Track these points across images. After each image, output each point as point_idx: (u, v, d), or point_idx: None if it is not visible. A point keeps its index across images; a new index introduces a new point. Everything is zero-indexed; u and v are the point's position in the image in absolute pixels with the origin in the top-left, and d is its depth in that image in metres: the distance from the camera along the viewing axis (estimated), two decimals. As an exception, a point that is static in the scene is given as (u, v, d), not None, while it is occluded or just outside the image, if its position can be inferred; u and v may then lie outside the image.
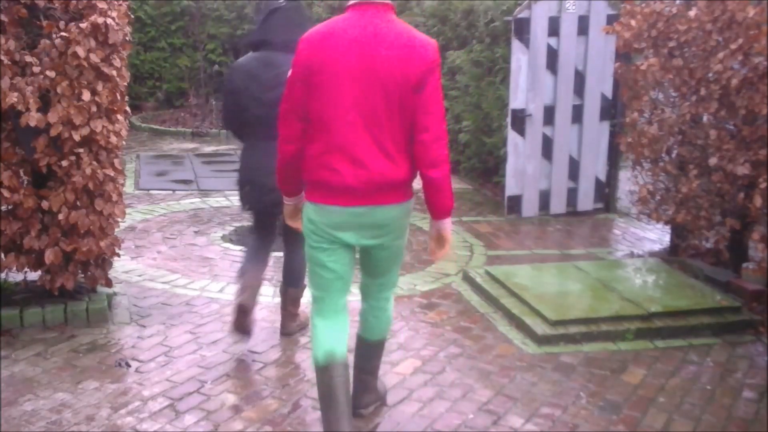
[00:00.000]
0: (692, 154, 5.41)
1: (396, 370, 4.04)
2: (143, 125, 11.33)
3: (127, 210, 5.24)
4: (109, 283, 4.66)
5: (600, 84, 6.94)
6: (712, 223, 5.37)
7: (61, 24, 4.12)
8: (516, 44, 6.68)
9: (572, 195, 7.14)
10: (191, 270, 5.47)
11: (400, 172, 3.06)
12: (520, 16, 6.64)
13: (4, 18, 4.07)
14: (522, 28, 6.65)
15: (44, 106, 4.12)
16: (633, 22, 5.61)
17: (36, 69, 4.09)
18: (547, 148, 6.96)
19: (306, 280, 4.38)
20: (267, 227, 4.45)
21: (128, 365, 4.02)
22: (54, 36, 4.11)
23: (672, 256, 5.82)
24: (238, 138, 4.35)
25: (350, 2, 3.05)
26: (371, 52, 2.96)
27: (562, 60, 6.80)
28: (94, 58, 4.15)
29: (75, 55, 4.09)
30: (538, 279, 5.24)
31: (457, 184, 8.14)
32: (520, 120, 6.81)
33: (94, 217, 4.35)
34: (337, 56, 2.97)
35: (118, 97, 4.39)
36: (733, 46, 4.82)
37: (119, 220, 4.61)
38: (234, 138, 4.49)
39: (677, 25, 5.32)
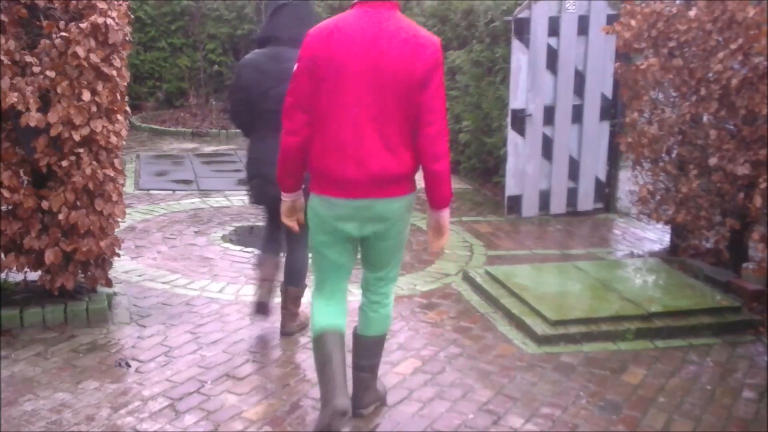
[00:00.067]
0: (692, 154, 5.42)
1: (396, 370, 4.04)
2: (143, 125, 11.33)
3: (127, 210, 5.24)
4: (109, 283, 4.66)
5: (600, 84, 6.94)
6: (712, 223, 5.37)
7: (61, 24, 4.12)
8: (516, 44, 6.68)
9: (572, 195, 7.14)
10: (191, 270, 5.47)
11: (402, 166, 3.13)
12: (520, 16, 6.64)
13: (4, 18, 4.07)
14: (522, 28, 6.65)
15: (44, 106, 4.12)
16: (633, 22, 5.61)
17: (36, 69, 4.09)
18: (547, 148, 6.96)
19: (307, 280, 4.44)
20: (277, 219, 4.47)
21: (128, 365, 4.02)
22: (54, 36, 4.11)
23: (672, 256, 5.82)
24: (246, 133, 4.39)
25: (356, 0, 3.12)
26: (377, 48, 3.03)
27: (562, 60, 6.80)
28: (94, 58, 4.15)
29: (75, 55, 4.09)
30: (538, 279, 5.24)
31: (457, 184, 8.14)
32: (520, 120, 6.82)
33: (94, 217, 4.35)
34: (343, 51, 3.04)
35: (118, 97, 4.39)
36: (733, 46, 4.82)
37: (119, 220, 4.61)
38: (242, 133, 4.56)
39: (677, 25, 5.32)
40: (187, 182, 8.16)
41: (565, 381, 4.00)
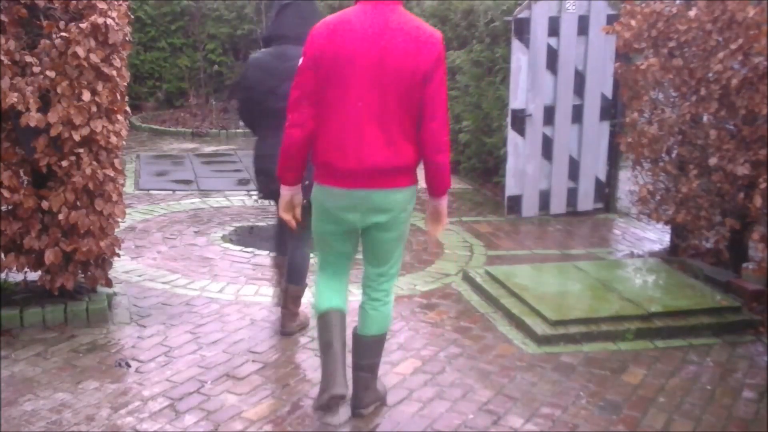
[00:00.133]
0: (692, 154, 5.42)
1: (396, 370, 4.04)
2: (143, 125, 11.33)
3: (127, 210, 5.24)
4: (109, 283, 4.66)
5: (600, 84, 6.94)
6: (712, 223, 5.37)
7: (61, 24, 4.12)
8: (516, 44, 6.68)
9: (572, 195, 7.14)
10: (191, 270, 5.47)
11: (402, 159, 3.20)
12: (520, 16, 6.64)
13: (4, 18, 4.07)
14: (522, 28, 6.65)
15: (44, 106, 4.12)
16: (633, 22, 5.61)
17: (36, 69, 4.09)
18: (547, 148, 6.96)
19: (307, 279, 4.47)
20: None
21: (128, 365, 4.02)
22: (54, 36, 4.11)
23: (672, 256, 5.82)
24: (253, 131, 4.49)
25: None
26: (381, 43, 3.10)
27: (562, 60, 6.80)
28: (94, 58, 4.15)
29: (75, 55, 4.08)
30: (538, 279, 5.24)
31: (457, 184, 8.15)
32: (520, 120, 6.82)
33: (94, 217, 4.35)
34: (348, 46, 3.10)
35: (118, 97, 4.39)
36: (733, 46, 4.82)
37: (119, 220, 4.61)
38: (249, 131, 4.66)
39: (677, 25, 5.32)
40: (187, 182, 8.16)
41: (565, 381, 4.00)
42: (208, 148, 10.15)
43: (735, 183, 5.05)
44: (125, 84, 4.45)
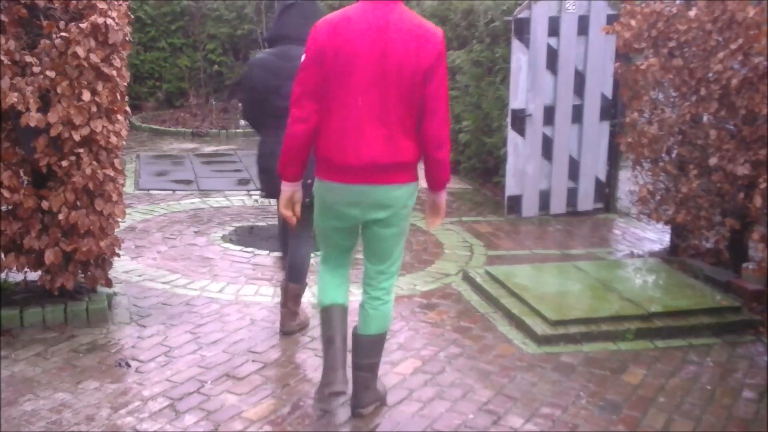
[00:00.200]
0: (692, 154, 5.42)
1: (396, 370, 4.04)
2: (143, 125, 11.33)
3: (127, 210, 5.24)
4: (109, 283, 4.66)
5: (600, 84, 6.94)
6: (712, 223, 5.37)
7: (61, 24, 4.12)
8: (516, 44, 6.68)
9: (572, 195, 7.14)
10: (191, 270, 5.47)
11: (403, 155, 3.24)
12: (520, 16, 6.64)
13: (4, 18, 4.07)
14: (522, 28, 6.65)
15: (44, 106, 4.12)
16: (633, 22, 5.61)
17: (36, 69, 4.09)
18: (547, 148, 6.96)
19: (308, 279, 4.47)
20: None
21: (128, 365, 4.02)
22: (54, 36, 4.11)
23: (672, 256, 5.82)
24: (257, 130, 4.53)
25: None
26: (383, 40, 3.14)
27: (562, 60, 6.80)
28: (94, 58, 4.15)
29: (75, 55, 4.08)
30: (538, 279, 5.24)
31: (457, 184, 8.15)
32: (520, 120, 6.81)
33: (94, 217, 4.35)
34: (349, 43, 3.15)
35: (118, 97, 4.39)
36: (733, 46, 4.82)
37: (119, 220, 4.61)
38: (253, 130, 4.71)
39: (677, 25, 5.31)
40: (187, 182, 8.16)
41: (565, 381, 4.00)
42: (208, 148, 10.15)
43: (735, 183, 5.05)
44: (125, 84, 4.45)
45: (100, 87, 4.24)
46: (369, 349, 3.54)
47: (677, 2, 5.53)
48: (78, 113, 4.15)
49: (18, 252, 4.34)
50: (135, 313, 4.68)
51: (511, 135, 6.85)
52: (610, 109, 7.04)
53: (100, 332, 4.40)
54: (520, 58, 6.70)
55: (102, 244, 4.42)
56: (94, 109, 4.22)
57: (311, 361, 4.13)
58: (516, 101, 6.78)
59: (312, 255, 4.55)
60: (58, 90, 4.11)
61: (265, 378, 3.94)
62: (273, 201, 4.88)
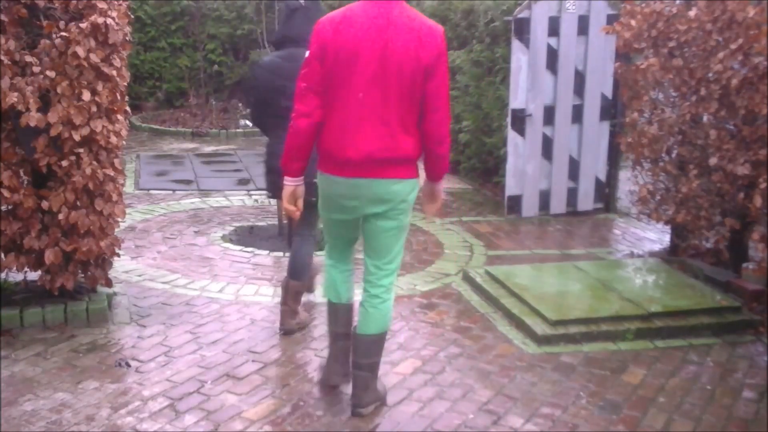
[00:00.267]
0: (692, 154, 5.41)
1: (396, 370, 4.04)
2: (143, 125, 11.33)
3: (127, 210, 5.24)
4: (109, 283, 4.66)
5: (600, 84, 6.94)
6: (712, 223, 5.37)
7: (61, 24, 4.12)
8: (516, 44, 6.68)
9: (572, 195, 7.14)
10: (191, 270, 5.46)
11: (402, 150, 3.30)
12: (520, 16, 6.64)
13: (4, 18, 4.07)
14: (522, 28, 6.65)
15: (44, 106, 4.12)
16: (633, 22, 5.60)
17: (36, 69, 4.09)
18: (547, 148, 6.96)
19: (310, 275, 4.58)
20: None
21: (128, 365, 4.02)
22: (54, 36, 4.11)
23: (672, 256, 5.82)
24: (264, 132, 4.64)
25: None
26: (384, 37, 3.20)
27: (562, 60, 6.79)
28: (94, 58, 4.15)
29: (75, 55, 4.08)
30: (538, 279, 5.24)
31: (457, 184, 8.15)
32: (520, 120, 6.81)
33: (94, 217, 4.35)
34: (351, 39, 3.21)
35: (118, 97, 4.39)
36: (733, 46, 4.82)
37: (119, 220, 4.61)
38: (262, 132, 4.81)
39: (677, 25, 5.31)
40: (187, 182, 8.16)
41: (565, 381, 4.00)
42: (208, 148, 10.15)
43: (735, 183, 5.05)
44: (125, 84, 4.45)
45: (100, 87, 4.24)
46: (369, 349, 3.54)
47: (677, 2, 5.53)
48: (78, 113, 4.15)
49: (18, 252, 4.34)
50: (135, 313, 4.68)
51: (511, 135, 6.85)
52: (610, 109, 7.04)
53: (100, 332, 4.40)
54: (520, 58, 6.70)
55: (102, 244, 4.42)
56: (94, 109, 4.22)
57: (311, 361, 4.13)
58: (516, 101, 6.78)
59: (314, 254, 4.58)
60: (58, 90, 4.11)
61: (265, 378, 3.94)
62: (274, 201, 4.91)
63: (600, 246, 6.36)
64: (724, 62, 4.89)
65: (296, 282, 4.41)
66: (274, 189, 4.42)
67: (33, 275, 4.55)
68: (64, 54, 4.10)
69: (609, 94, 6.99)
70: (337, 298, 3.70)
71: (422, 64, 3.21)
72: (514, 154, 6.89)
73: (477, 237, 6.42)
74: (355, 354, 3.57)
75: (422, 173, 3.53)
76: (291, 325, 4.43)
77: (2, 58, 4.01)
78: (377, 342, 3.56)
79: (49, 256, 4.29)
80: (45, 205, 4.27)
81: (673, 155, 5.66)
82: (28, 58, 4.10)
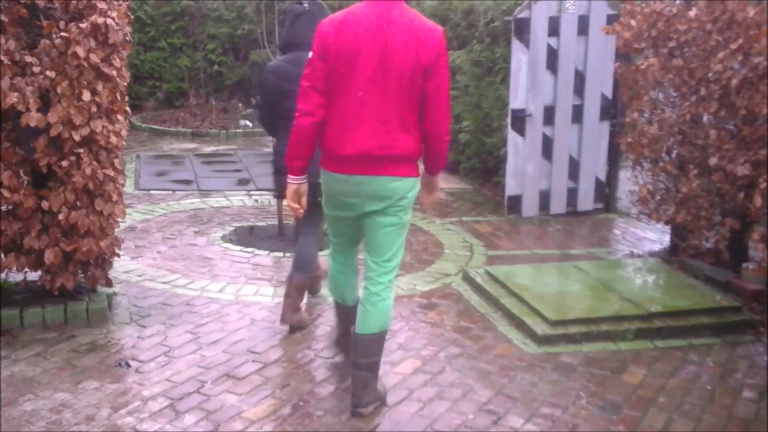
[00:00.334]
0: (692, 154, 5.41)
1: (396, 370, 4.04)
2: (143, 125, 11.33)
3: (127, 210, 5.24)
4: (109, 283, 4.66)
5: (600, 84, 6.94)
6: (712, 223, 5.37)
7: (61, 24, 4.12)
8: (516, 44, 6.68)
9: (572, 195, 7.14)
10: (191, 270, 5.46)
11: (400, 149, 3.36)
12: (520, 16, 6.64)
13: (4, 18, 4.07)
14: (522, 28, 6.65)
15: (44, 106, 4.12)
16: (633, 22, 5.60)
17: (36, 69, 4.09)
18: (547, 148, 6.96)
19: (313, 269, 4.63)
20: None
21: (128, 365, 4.02)
22: (54, 36, 4.11)
23: (672, 256, 5.82)
24: (272, 133, 4.76)
25: None
26: (384, 36, 3.26)
27: (562, 60, 6.80)
28: (94, 58, 4.15)
29: (75, 55, 4.08)
30: (538, 279, 5.24)
31: (457, 184, 8.16)
32: (520, 120, 6.81)
33: (94, 217, 4.35)
34: (352, 40, 3.28)
35: (118, 97, 4.39)
36: (733, 46, 4.82)
37: (119, 220, 4.61)
38: (269, 133, 4.94)
39: (677, 25, 5.31)
40: (187, 182, 8.15)
41: (565, 381, 4.00)
42: (208, 148, 10.15)
43: (735, 183, 5.05)
44: (125, 84, 4.45)
45: (100, 87, 4.24)
46: (368, 348, 3.55)
47: (677, 2, 5.53)
48: (78, 113, 4.15)
49: (18, 252, 4.34)
50: (135, 313, 4.68)
51: (511, 135, 6.85)
52: (610, 109, 7.04)
53: (100, 332, 4.40)
54: (520, 58, 6.70)
55: (102, 244, 4.42)
56: (94, 109, 4.22)
57: (311, 361, 4.13)
58: (516, 101, 6.78)
59: (318, 253, 4.66)
60: (58, 90, 4.11)
61: (265, 378, 3.94)
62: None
63: (600, 246, 6.36)
64: (724, 62, 4.89)
65: (301, 274, 4.44)
66: (282, 189, 4.46)
67: (33, 275, 4.55)
68: (64, 54, 4.10)
69: (609, 94, 6.99)
70: (342, 300, 3.84)
71: (422, 63, 3.26)
72: (514, 154, 6.89)
73: (477, 237, 6.42)
74: (355, 353, 3.57)
75: (421, 165, 3.59)
76: (292, 319, 4.42)
77: (2, 58, 4.01)
78: (376, 341, 3.56)
79: (49, 256, 4.29)
80: (45, 205, 4.27)
81: (673, 155, 5.66)
82: (28, 58, 4.10)
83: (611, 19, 6.50)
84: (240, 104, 12.23)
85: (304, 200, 3.57)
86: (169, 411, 3.58)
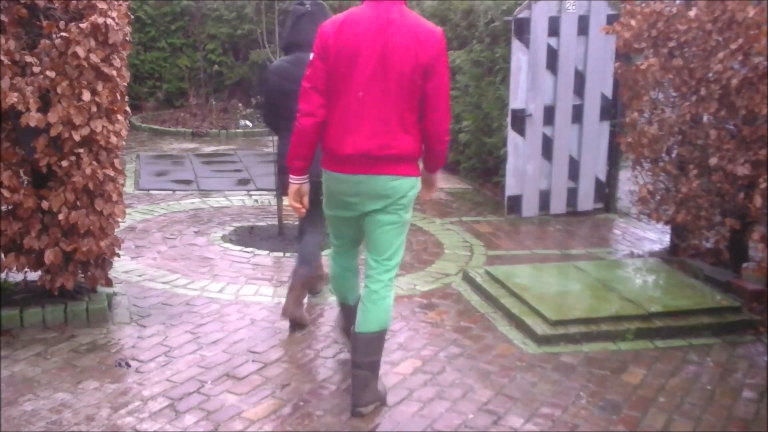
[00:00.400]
0: (692, 154, 5.41)
1: (396, 370, 4.04)
2: (143, 125, 11.33)
3: (127, 210, 5.24)
4: (109, 283, 4.66)
5: (600, 84, 6.94)
6: (712, 223, 5.37)
7: (61, 24, 4.12)
8: (516, 44, 6.68)
9: (572, 195, 7.14)
10: (191, 270, 5.46)
11: (401, 148, 3.39)
12: (520, 16, 6.64)
13: (4, 18, 4.07)
14: (522, 28, 6.65)
15: (44, 106, 4.12)
16: (633, 22, 5.60)
17: (36, 69, 4.09)
18: (547, 148, 6.96)
19: (316, 268, 4.67)
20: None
21: (128, 365, 4.02)
22: (54, 36, 4.11)
23: (672, 256, 5.82)
24: (276, 132, 4.82)
25: None
26: (384, 37, 3.30)
27: (562, 60, 6.80)
28: (94, 58, 4.15)
29: (75, 55, 4.09)
30: (538, 279, 5.24)
31: (457, 184, 8.16)
32: (520, 120, 6.81)
33: (94, 217, 4.35)
34: (352, 40, 3.31)
35: (118, 97, 4.39)
36: (733, 46, 4.82)
37: (119, 220, 4.61)
38: (272, 132, 5.03)
39: (677, 25, 5.31)
40: (187, 182, 8.15)
41: (565, 381, 4.00)
42: (208, 148, 10.15)
43: (735, 183, 5.05)
44: (125, 84, 4.45)
45: (100, 87, 4.24)
46: (368, 347, 3.55)
47: (677, 2, 5.53)
48: (78, 113, 4.15)
49: (18, 252, 4.34)
50: (135, 313, 4.68)
51: (511, 135, 6.85)
52: (610, 109, 7.04)
53: (100, 332, 4.40)
54: (520, 58, 6.70)
55: (102, 244, 4.42)
56: (94, 109, 4.22)
57: (311, 361, 4.13)
58: (516, 101, 6.78)
59: (321, 253, 4.71)
60: (58, 90, 4.11)
61: (265, 378, 3.94)
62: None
63: (600, 246, 6.36)
64: (724, 62, 4.89)
65: (305, 268, 4.47)
66: (285, 188, 4.48)
67: (33, 275, 4.55)
68: (64, 54, 4.10)
69: (609, 94, 6.98)
70: (344, 299, 3.91)
71: (421, 63, 3.30)
72: (514, 154, 6.89)
73: (477, 237, 6.42)
74: (354, 352, 3.57)
75: (420, 162, 3.62)
76: (294, 314, 4.43)
77: (2, 58, 4.01)
78: (376, 340, 3.56)
79: (49, 256, 4.29)
80: (45, 205, 4.27)
81: (673, 155, 5.66)
82: (28, 58, 4.10)
83: (611, 19, 6.50)
84: (240, 104, 12.22)
85: (305, 200, 3.62)
86: (169, 411, 3.58)
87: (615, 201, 7.32)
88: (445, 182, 8.12)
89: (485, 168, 8.10)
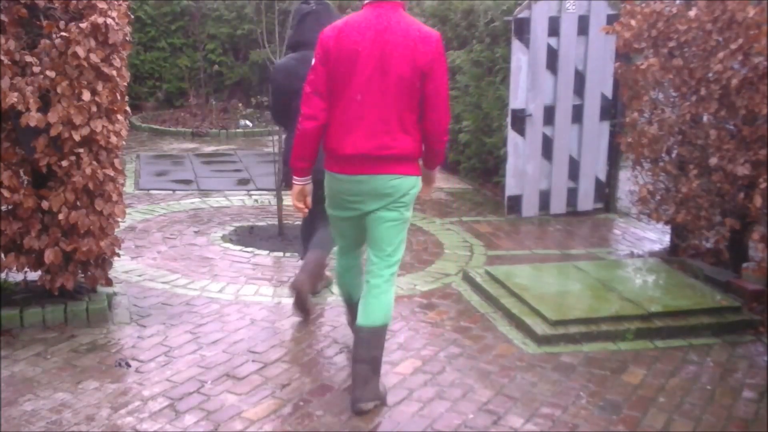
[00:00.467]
0: (692, 154, 5.41)
1: (396, 370, 4.04)
2: (143, 125, 11.32)
3: (127, 210, 5.24)
4: (109, 283, 4.66)
5: (600, 84, 6.94)
6: (712, 223, 5.37)
7: (61, 24, 4.12)
8: (516, 44, 6.68)
9: (572, 195, 7.14)
10: (191, 270, 5.46)
11: (400, 148, 3.46)
12: (520, 16, 6.64)
13: (4, 18, 4.07)
14: (522, 28, 6.65)
15: (44, 106, 4.12)
16: (633, 22, 5.60)
17: (36, 69, 4.09)
18: (547, 148, 6.96)
19: (316, 267, 4.64)
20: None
21: (128, 365, 4.02)
22: (54, 36, 4.11)
23: (672, 256, 5.82)
24: (284, 129, 4.97)
25: (366, 1, 3.50)
26: (383, 40, 3.38)
27: (562, 60, 6.79)
28: (94, 58, 4.15)
29: (75, 55, 4.09)
30: (538, 279, 5.24)
31: (457, 184, 8.16)
32: (520, 120, 6.81)
33: (94, 217, 4.35)
34: (351, 44, 3.39)
35: (118, 97, 4.39)
36: (733, 46, 4.82)
37: (119, 220, 4.61)
38: (281, 129, 5.16)
39: (677, 25, 5.31)
40: (187, 182, 8.15)
41: (565, 381, 4.00)
42: (208, 148, 10.15)
43: (735, 183, 5.05)
44: (125, 84, 4.45)
45: (100, 87, 4.24)
46: (369, 341, 3.57)
47: (677, 2, 5.53)
48: (78, 113, 4.15)
49: (18, 252, 4.34)
50: (135, 313, 4.68)
51: (511, 135, 6.85)
52: (610, 109, 7.04)
53: (100, 332, 4.40)
54: (520, 58, 6.70)
55: (102, 244, 4.42)
56: (94, 109, 4.22)
57: (311, 361, 4.13)
58: (516, 101, 6.78)
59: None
60: (58, 90, 4.11)
61: (265, 378, 3.94)
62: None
63: (600, 246, 6.36)
64: (724, 62, 4.89)
65: (317, 250, 4.53)
66: (290, 180, 4.53)
67: (33, 275, 4.55)
68: (64, 54, 4.10)
69: (609, 94, 6.98)
70: (348, 298, 4.01)
71: (418, 66, 3.38)
72: (514, 154, 6.89)
73: (477, 237, 6.42)
74: (356, 348, 3.60)
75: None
76: (303, 285, 4.42)
77: (2, 58, 4.01)
78: (377, 334, 3.58)
79: (49, 256, 4.29)
80: (45, 205, 4.27)
81: (673, 155, 5.66)
82: (28, 58, 4.10)
83: (611, 19, 6.50)
84: (240, 104, 12.22)
85: (308, 200, 3.69)
86: (169, 411, 3.58)
87: (615, 201, 7.32)
88: (445, 182, 8.12)
89: (485, 168, 8.10)
